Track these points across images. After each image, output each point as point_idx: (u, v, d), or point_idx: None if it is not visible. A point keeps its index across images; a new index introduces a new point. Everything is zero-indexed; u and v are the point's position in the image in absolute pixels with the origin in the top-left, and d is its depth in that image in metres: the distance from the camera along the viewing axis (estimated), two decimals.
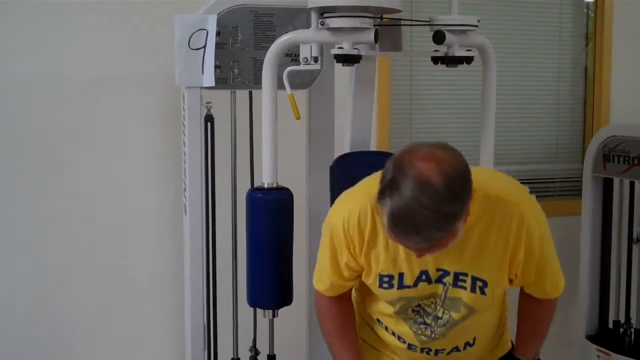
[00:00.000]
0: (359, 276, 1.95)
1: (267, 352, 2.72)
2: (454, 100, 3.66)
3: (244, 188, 2.44)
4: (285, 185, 2.32)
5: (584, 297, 3.37)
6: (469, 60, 2.27)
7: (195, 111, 2.48)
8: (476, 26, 2.25)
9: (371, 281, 1.91)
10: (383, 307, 1.98)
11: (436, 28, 2.21)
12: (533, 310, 2.03)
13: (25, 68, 2.98)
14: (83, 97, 3.05)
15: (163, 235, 3.16)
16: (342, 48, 2.12)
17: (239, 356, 2.71)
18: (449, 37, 2.19)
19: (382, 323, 2.04)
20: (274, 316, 2.38)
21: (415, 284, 1.86)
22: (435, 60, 2.30)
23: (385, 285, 1.88)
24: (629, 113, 3.81)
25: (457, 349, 1.98)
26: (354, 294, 2.12)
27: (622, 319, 3.28)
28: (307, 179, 2.76)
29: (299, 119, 2.20)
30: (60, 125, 3.05)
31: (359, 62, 2.19)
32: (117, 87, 3.09)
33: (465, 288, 1.85)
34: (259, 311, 2.46)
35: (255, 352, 2.72)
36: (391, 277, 1.87)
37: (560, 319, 3.72)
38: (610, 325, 3.34)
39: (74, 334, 3.13)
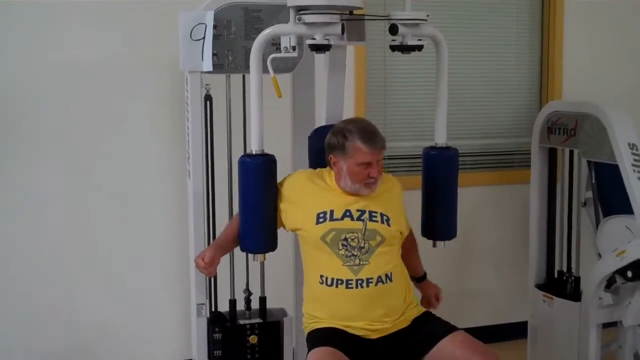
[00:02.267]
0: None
1: (259, 294, 3.20)
2: (423, 83, 4.09)
3: (238, 155, 2.82)
4: (273, 153, 2.71)
5: (533, 253, 3.79)
6: (419, 48, 2.70)
7: (197, 92, 2.88)
8: (425, 20, 2.68)
9: (311, 221, 2.66)
10: (323, 255, 2.66)
11: (392, 22, 2.66)
12: (410, 246, 2.95)
13: (54, 58, 3.46)
14: (104, 82, 3.54)
15: (170, 196, 3.62)
16: (314, 39, 2.56)
17: (235, 297, 3.15)
18: (401, 29, 2.64)
19: (323, 278, 2.65)
20: (263, 260, 2.79)
21: (342, 218, 2.65)
22: (393, 48, 2.74)
23: (321, 220, 2.65)
24: (580, 92, 4.24)
25: (381, 279, 2.63)
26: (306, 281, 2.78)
27: (565, 269, 3.71)
28: (292, 147, 3.19)
29: (280, 97, 2.64)
30: (84, 107, 3.54)
31: (329, 50, 2.63)
32: (131, 73, 3.57)
33: (377, 221, 2.66)
34: (251, 259, 2.85)
35: (248, 293, 3.15)
36: (325, 212, 2.66)
37: (515, 273, 4.24)
38: (556, 275, 3.76)
39: (86, 280, 3.65)
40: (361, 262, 2.62)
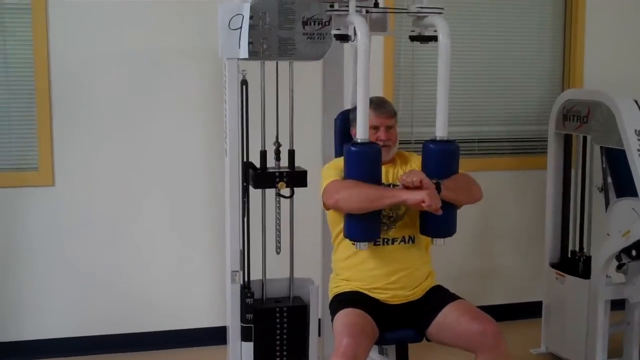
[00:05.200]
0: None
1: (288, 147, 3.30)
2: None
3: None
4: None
5: (548, 234, 3.99)
6: (435, 38, 2.84)
7: (234, 77, 3.10)
8: (441, 8, 2.83)
9: None
10: None
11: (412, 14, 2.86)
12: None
13: (111, 45, 3.86)
14: (150, 67, 3.90)
15: (209, 171, 3.95)
16: (339, 29, 2.83)
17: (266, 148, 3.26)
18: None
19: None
20: (366, 248, 2.84)
21: None
22: (411, 38, 2.94)
23: None
24: (601, 82, 4.40)
25: (404, 239, 2.97)
26: (335, 252, 3.07)
27: (578, 249, 3.92)
28: (322, 128, 3.44)
29: None
30: (134, 89, 3.91)
31: (352, 40, 2.83)
32: (175, 60, 3.92)
33: None
34: None
35: (278, 144, 3.25)
36: None
37: (533, 253, 4.44)
38: (569, 255, 3.96)
39: (128, 252, 4.02)
40: (389, 228, 2.96)
